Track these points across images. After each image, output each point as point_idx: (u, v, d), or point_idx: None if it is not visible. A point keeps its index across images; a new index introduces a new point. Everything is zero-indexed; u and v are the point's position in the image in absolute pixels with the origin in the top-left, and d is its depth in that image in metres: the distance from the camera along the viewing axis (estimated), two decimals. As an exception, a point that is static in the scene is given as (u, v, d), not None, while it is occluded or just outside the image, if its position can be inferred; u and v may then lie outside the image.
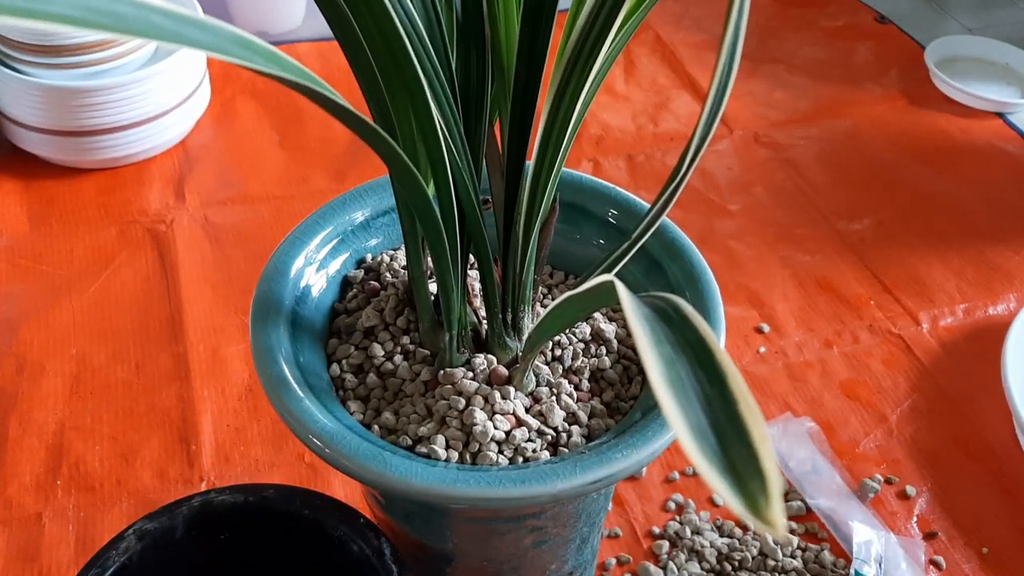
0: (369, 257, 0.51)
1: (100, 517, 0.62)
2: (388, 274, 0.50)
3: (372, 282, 0.50)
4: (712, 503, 0.66)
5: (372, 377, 0.46)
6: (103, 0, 0.22)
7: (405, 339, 0.47)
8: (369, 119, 0.33)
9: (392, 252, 0.52)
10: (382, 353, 0.46)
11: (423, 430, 0.43)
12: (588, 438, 0.44)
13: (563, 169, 0.47)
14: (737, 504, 0.20)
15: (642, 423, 0.41)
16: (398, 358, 0.46)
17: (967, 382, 0.74)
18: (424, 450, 0.42)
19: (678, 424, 0.21)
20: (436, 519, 0.46)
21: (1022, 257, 0.86)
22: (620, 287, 0.27)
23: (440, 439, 0.42)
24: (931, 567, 0.63)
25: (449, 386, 0.44)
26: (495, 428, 0.42)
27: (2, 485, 0.64)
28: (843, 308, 0.80)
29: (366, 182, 0.52)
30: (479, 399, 0.43)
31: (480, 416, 0.42)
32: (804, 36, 1.15)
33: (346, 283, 0.50)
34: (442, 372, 0.44)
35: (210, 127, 0.95)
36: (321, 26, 1.10)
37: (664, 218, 0.41)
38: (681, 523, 0.64)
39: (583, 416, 0.44)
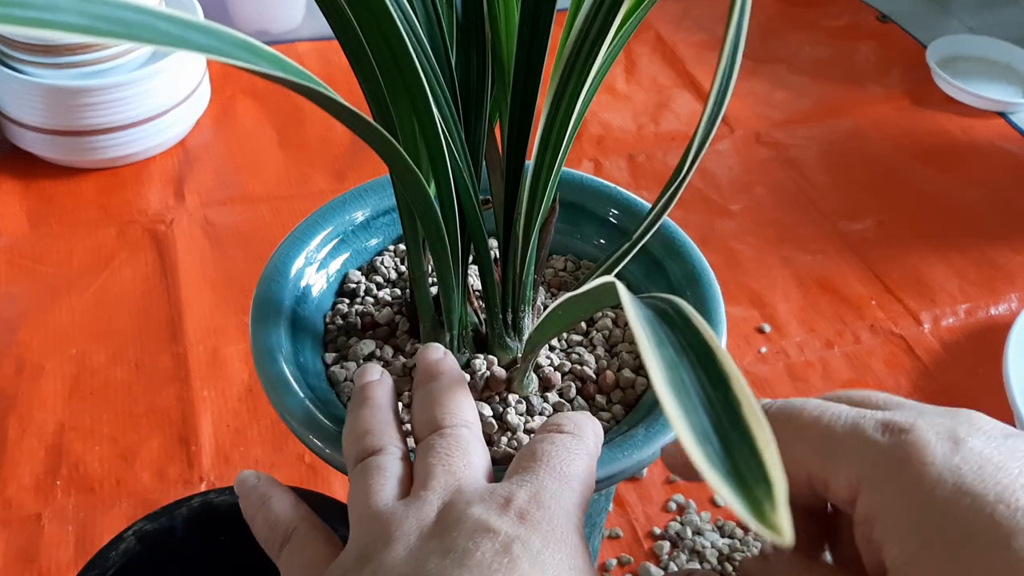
0: (371, 256, 0.51)
1: (100, 517, 0.62)
2: (389, 273, 0.50)
3: (371, 283, 0.49)
4: (713, 504, 0.66)
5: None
6: (108, 7, 0.23)
7: (405, 339, 0.47)
8: (371, 119, 0.33)
9: (393, 249, 0.51)
10: (382, 354, 0.46)
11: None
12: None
13: (563, 169, 0.47)
14: (742, 509, 0.19)
15: (643, 424, 0.41)
16: (399, 358, 0.46)
17: (969, 382, 0.74)
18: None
19: (681, 427, 0.21)
20: (436, 520, 0.46)
21: (1024, 257, 0.86)
22: (621, 288, 0.27)
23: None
24: (933, 568, 0.62)
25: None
26: (495, 429, 0.42)
27: (1, 486, 0.64)
28: (844, 308, 0.80)
29: (366, 182, 0.52)
30: (480, 401, 0.43)
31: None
32: (806, 36, 1.15)
33: (346, 282, 0.50)
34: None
35: (210, 127, 0.95)
36: (321, 26, 1.10)
37: (665, 218, 0.41)
38: (682, 524, 0.64)
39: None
